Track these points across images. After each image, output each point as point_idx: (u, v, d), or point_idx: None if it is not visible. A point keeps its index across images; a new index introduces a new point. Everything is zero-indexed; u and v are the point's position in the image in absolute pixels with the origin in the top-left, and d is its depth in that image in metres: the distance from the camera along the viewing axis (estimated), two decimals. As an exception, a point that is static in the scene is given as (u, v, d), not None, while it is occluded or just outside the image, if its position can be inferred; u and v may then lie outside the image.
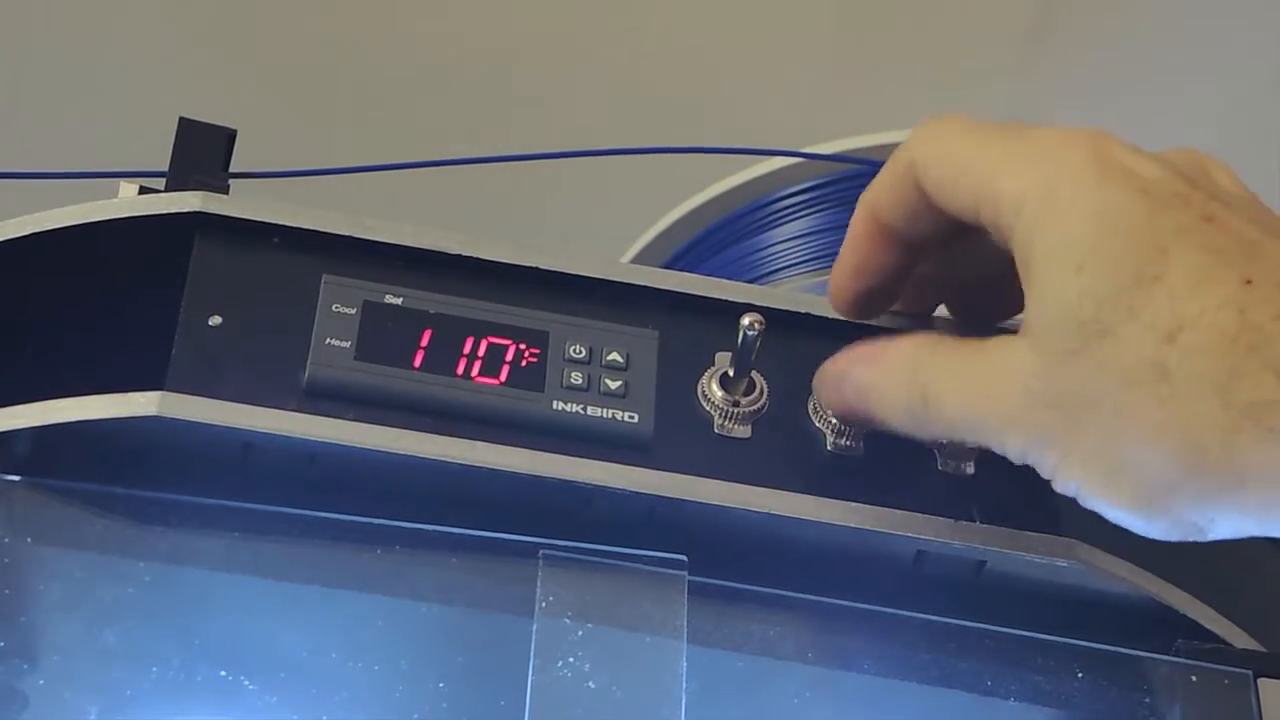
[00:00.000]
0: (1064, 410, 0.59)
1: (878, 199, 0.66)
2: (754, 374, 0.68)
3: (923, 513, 0.67)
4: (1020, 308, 0.61)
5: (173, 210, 0.68)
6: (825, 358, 0.68)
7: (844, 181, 1.04)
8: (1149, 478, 0.58)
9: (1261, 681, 0.67)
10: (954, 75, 1.46)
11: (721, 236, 1.06)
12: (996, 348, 0.62)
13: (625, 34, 1.44)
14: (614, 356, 0.67)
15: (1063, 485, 0.61)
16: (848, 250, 0.67)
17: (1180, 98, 1.46)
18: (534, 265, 0.69)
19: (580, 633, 0.64)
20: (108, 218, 0.68)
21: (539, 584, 0.65)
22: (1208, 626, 0.67)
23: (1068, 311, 0.59)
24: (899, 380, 0.64)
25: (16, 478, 0.64)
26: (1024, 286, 0.61)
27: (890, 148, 1.03)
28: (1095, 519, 0.67)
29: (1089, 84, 1.46)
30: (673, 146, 0.90)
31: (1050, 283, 0.59)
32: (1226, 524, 0.59)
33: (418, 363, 0.66)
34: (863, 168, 1.02)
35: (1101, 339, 0.58)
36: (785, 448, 0.67)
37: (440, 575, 0.66)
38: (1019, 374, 0.60)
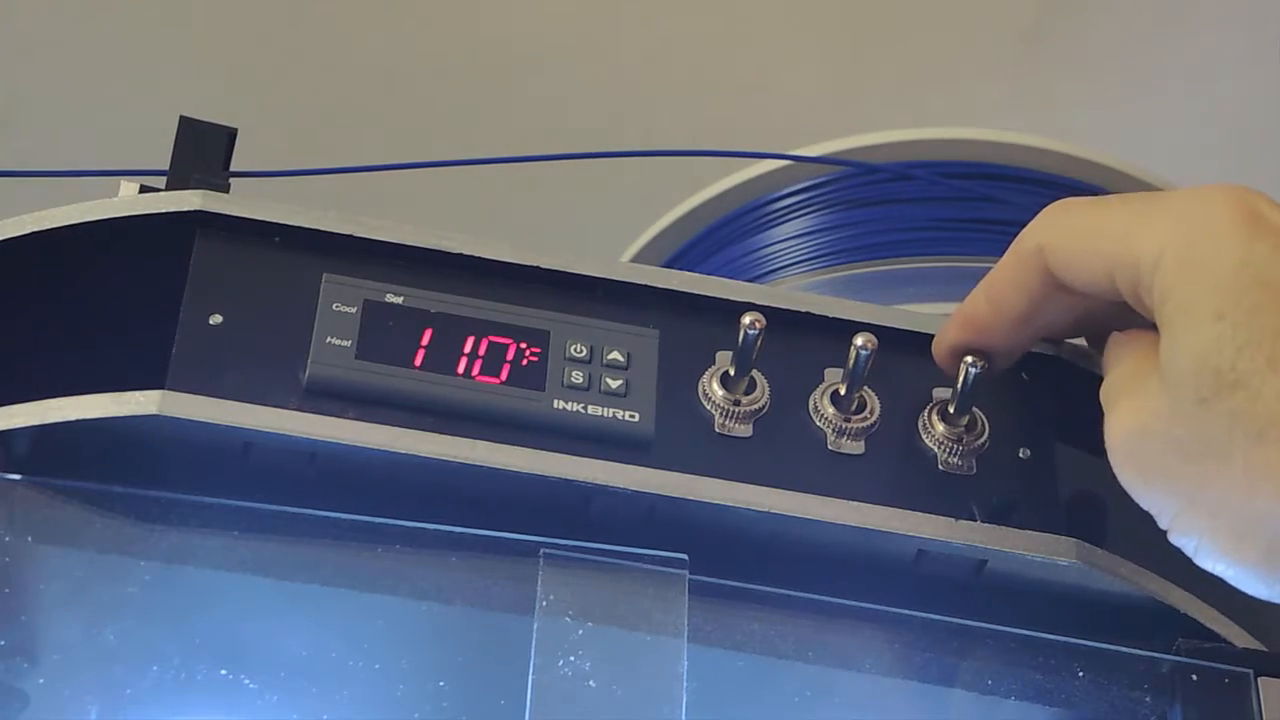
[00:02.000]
0: (1190, 458, 0.58)
1: (1000, 289, 0.65)
2: (755, 373, 0.68)
3: (923, 512, 0.67)
4: None
5: (173, 209, 0.68)
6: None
7: (842, 181, 1.04)
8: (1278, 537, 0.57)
9: (1262, 680, 0.67)
10: (953, 75, 1.46)
11: (721, 236, 1.06)
12: (1133, 379, 0.61)
13: (625, 34, 1.44)
14: (615, 355, 0.67)
15: (1180, 537, 0.60)
16: (959, 329, 0.66)
17: (1179, 98, 1.46)
18: (534, 265, 0.69)
19: (581, 632, 0.64)
20: (108, 217, 0.68)
21: (539, 583, 0.65)
22: (1208, 625, 0.67)
23: (1204, 357, 0.58)
24: None
25: (16, 477, 0.64)
26: (1162, 339, 0.60)
27: (888, 148, 1.04)
28: (1096, 518, 0.67)
29: (1088, 84, 1.46)
30: (671, 149, 0.90)
31: (1187, 328, 0.58)
32: None
33: (418, 362, 0.66)
34: (857, 168, 1.02)
35: (1235, 390, 0.57)
36: (786, 447, 0.67)
37: (440, 574, 0.66)
38: (1146, 413, 0.60)
